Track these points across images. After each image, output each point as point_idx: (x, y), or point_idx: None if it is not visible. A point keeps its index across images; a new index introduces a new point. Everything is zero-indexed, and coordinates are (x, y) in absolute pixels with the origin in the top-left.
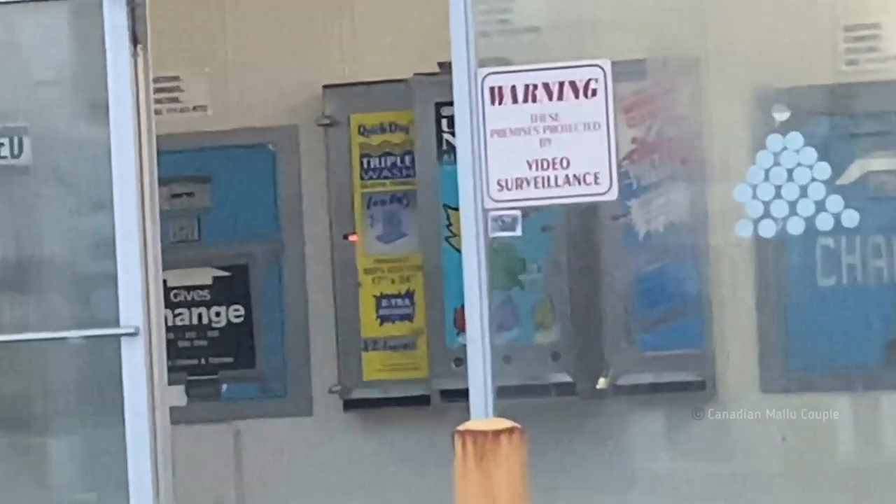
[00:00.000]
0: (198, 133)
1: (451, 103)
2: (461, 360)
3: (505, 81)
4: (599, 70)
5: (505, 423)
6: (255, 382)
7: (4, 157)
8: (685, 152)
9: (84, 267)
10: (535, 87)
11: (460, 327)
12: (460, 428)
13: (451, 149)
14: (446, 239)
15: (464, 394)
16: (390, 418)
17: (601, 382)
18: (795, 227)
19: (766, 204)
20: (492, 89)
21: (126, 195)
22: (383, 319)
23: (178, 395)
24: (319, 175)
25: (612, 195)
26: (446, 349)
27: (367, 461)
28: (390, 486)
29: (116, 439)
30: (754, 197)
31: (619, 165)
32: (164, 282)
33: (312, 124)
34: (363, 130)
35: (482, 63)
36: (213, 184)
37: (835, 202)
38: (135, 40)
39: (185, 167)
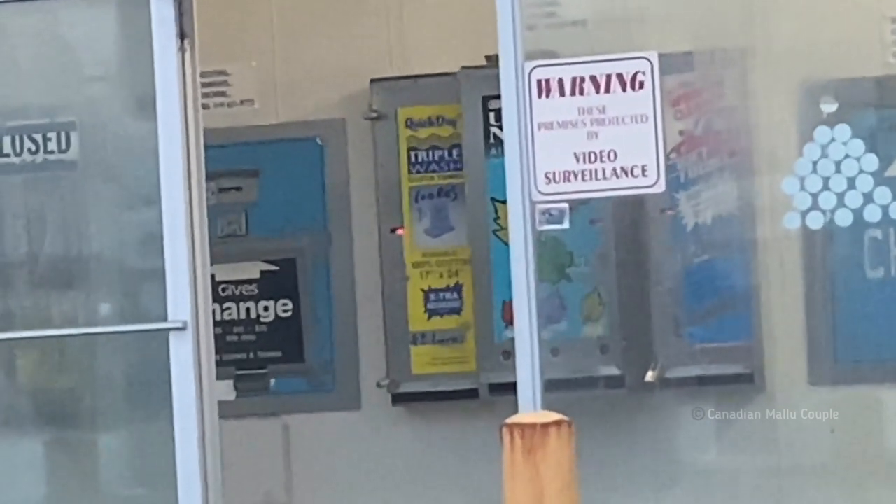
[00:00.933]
0: (245, 127)
1: (498, 96)
2: (509, 354)
3: (552, 74)
4: (647, 62)
5: (553, 416)
6: (303, 376)
7: (52, 152)
8: (733, 145)
9: (132, 262)
10: (583, 79)
11: (508, 321)
12: (508, 421)
13: (499, 142)
14: (494, 232)
15: (512, 387)
16: (438, 412)
17: (649, 375)
18: (843, 218)
19: (814, 196)
20: (539, 82)
21: (173, 190)
22: (431, 313)
23: (226, 390)
24: (367, 168)
25: (660, 188)
26: (494, 343)
27: (415, 455)
28: (438, 479)
29: (165, 434)
30: (802, 189)
31: (666, 158)
32: (212, 276)
33: (360, 118)
34: (410, 124)
35: (529, 56)
36: (261, 178)
37: (883, 194)
38: (182, 34)
39: (232, 161)
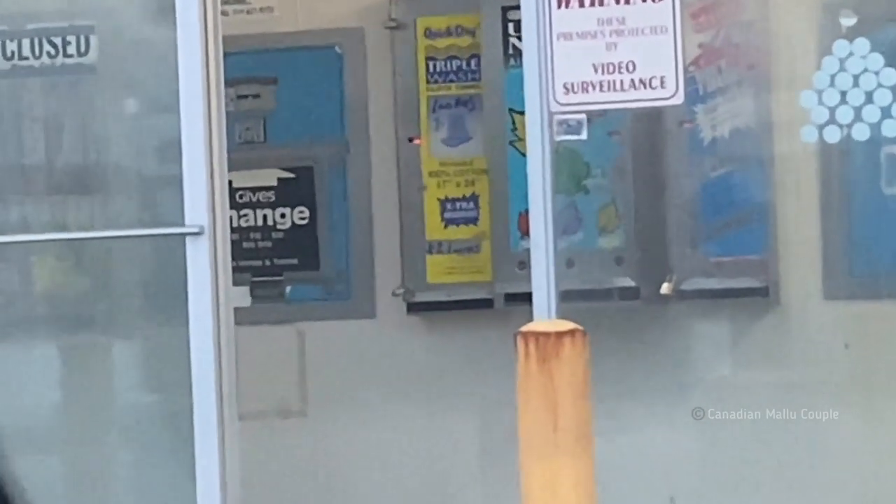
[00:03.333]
0: (264, 35)
1: (517, 7)
2: (524, 264)
3: None
4: None
5: (568, 325)
6: (318, 284)
7: (71, 56)
8: (751, 58)
9: (149, 168)
10: None
11: (524, 231)
12: (523, 329)
13: (518, 53)
14: (511, 143)
15: (527, 297)
16: (453, 321)
17: (664, 287)
18: (860, 133)
19: (832, 110)
20: None
21: (192, 96)
22: (447, 223)
23: (242, 296)
24: (385, 78)
25: (678, 100)
26: (510, 253)
27: (430, 363)
28: (453, 388)
29: (180, 339)
30: (820, 103)
31: (685, 70)
32: (230, 183)
33: (379, 27)
34: (429, 34)
35: None
36: (279, 85)
37: None
38: None
39: (251, 69)
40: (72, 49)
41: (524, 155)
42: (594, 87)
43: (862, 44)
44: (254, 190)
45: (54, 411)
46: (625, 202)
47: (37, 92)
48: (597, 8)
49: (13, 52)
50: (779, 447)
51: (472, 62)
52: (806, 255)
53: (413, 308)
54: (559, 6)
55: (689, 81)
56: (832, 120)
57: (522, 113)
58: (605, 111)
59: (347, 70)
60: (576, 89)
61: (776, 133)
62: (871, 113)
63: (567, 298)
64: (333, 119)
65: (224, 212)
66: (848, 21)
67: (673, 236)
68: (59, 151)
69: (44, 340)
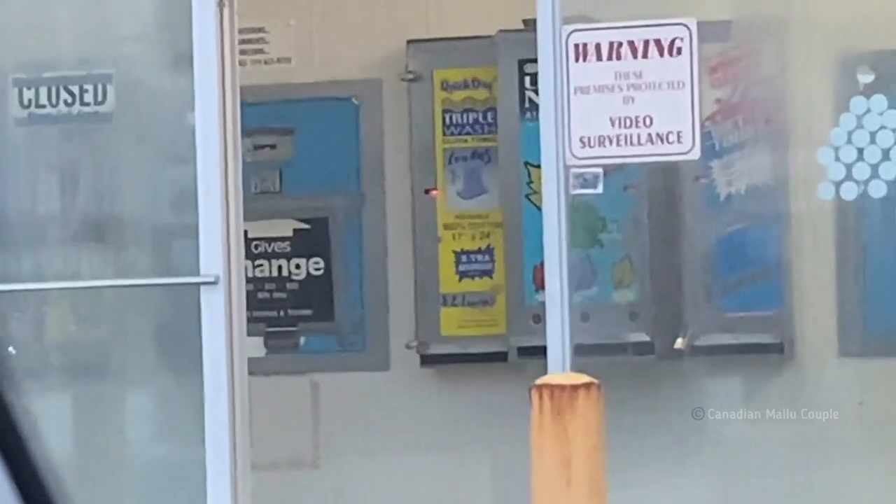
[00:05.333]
0: (282, 85)
1: (534, 60)
2: (539, 318)
3: (590, 38)
4: (685, 29)
5: (582, 378)
6: (333, 335)
7: (88, 104)
8: (769, 114)
9: (166, 217)
10: (620, 44)
11: (539, 284)
12: (538, 382)
13: (534, 106)
14: (527, 196)
15: (541, 351)
16: (468, 374)
17: (679, 343)
18: (877, 190)
19: (849, 167)
20: (576, 46)
21: (209, 146)
22: (462, 275)
23: (256, 347)
24: (402, 129)
25: (695, 155)
26: (525, 306)
27: (444, 416)
28: (466, 441)
29: (194, 389)
30: (837, 159)
31: (702, 126)
32: (245, 233)
33: (396, 79)
34: (446, 86)
35: (567, 20)
36: (296, 136)
37: None
38: None
39: (268, 119)
40: (89, 97)
41: (539, 208)
42: (611, 142)
43: (879, 100)
44: (269, 240)
45: (67, 459)
46: (640, 256)
47: (53, 140)
48: (614, 62)
49: (30, 101)
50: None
51: (489, 115)
52: (821, 311)
53: (427, 360)
54: (576, 59)
55: (706, 136)
56: (849, 176)
57: (538, 166)
58: (621, 165)
59: (364, 121)
60: (592, 143)
61: (792, 189)
62: (889, 170)
63: (581, 352)
64: (349, 170)
65: (239, 262)
66: (865, 78)
67: (688, 291)
68: (74, 200)
69: (59, 389)
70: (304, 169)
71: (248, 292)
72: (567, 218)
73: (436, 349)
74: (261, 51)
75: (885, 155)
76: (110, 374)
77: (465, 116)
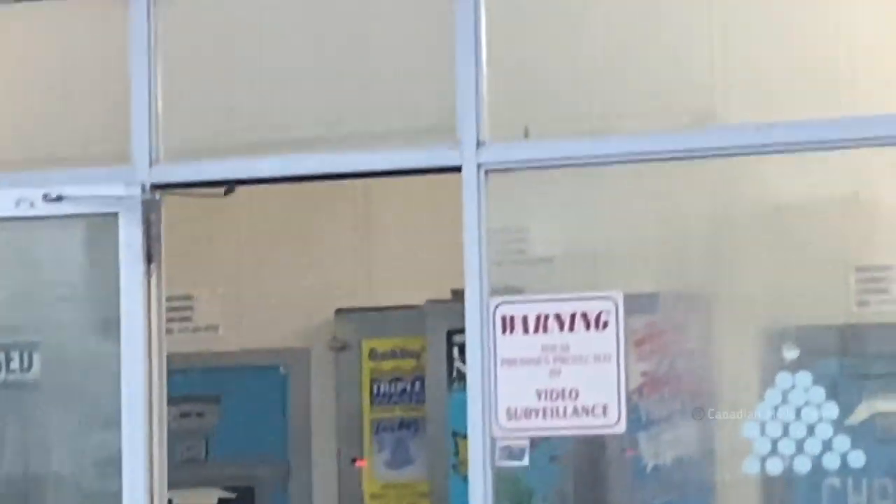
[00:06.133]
0: (209, 353)
1: (463, 330)
2: None
3: (516, 311)
4: (611, 302)
5: None
6: None
7: (14, 372)
8: (695, 387)
9: (90, 484)
10: (547, 317)
11: None
12: None
13: (461, 376)
14: (453, 467)
15: None
16: None
17: None
18: (802, 465)
19: (774, 441)
20: (503, 318)
21: (134, 413)
22: None
23: None
24: (329, 398)
25: (620, 428)
26: None
27: None
28: None
29: None
30: (762, 434)
31: (628, 398)
32: (170, 501)
33: (324, 347)
34: (374, 355)
35: (495, 291)
36: (223, 404)
37: (842, 442)
38: (149, 258)
39: (195, 387)
40: (14, 365)
41: (466, 479)
42: (537, 414)
43: (804, 377)
44: None
45: None
46: None
47: None
48: (541, 335)
49: None
50: None
51: (417, 384)
52: None
53: None
54: (504, 332)
55: (633, 409)
56: (774, 451)
57: (465, 436)
58: (547, 437)
59: (291, 390)
60: (519, 415)
61: (719, 462)
62: (813, 445)
63: None
64: (276, 439)
65: None
66: (791, 353)
67: None
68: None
69: None
70: (231, 437)
71: None
72: (493, 489)
73: None
74: (188, 318)
75: (811, 431)
76: None
77: (393, 386)
